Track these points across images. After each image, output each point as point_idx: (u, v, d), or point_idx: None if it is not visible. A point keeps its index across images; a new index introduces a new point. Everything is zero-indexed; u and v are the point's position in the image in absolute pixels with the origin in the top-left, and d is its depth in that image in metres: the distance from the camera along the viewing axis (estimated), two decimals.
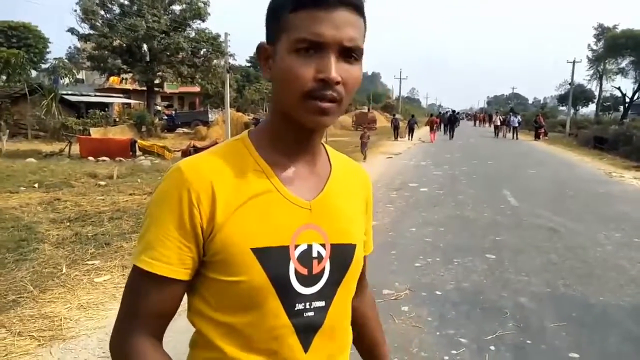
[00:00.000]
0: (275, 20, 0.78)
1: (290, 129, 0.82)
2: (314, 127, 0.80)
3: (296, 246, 0.81)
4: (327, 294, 0.84)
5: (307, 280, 0.81)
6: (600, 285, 4.35)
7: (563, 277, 4.52)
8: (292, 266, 0.80)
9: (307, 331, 0.82)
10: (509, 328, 3.45)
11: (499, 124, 30.73)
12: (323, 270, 0.83)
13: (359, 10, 0.76)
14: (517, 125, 28.47)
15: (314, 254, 0.82)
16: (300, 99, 0.75)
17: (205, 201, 0.77)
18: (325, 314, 0.84)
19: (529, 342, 3.26)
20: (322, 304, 0.83)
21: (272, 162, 0.83)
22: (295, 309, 0.80)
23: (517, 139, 27.31)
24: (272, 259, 0.78)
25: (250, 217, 0.78)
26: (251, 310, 0.79)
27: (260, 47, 0.82)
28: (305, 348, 0.82)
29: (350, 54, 0.75)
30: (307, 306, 0.82)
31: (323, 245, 0.83)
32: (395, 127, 26.23)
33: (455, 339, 3.28)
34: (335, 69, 0.73)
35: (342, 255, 0.86)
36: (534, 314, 3.72)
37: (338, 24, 0.73)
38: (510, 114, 32.45)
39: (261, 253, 0.78)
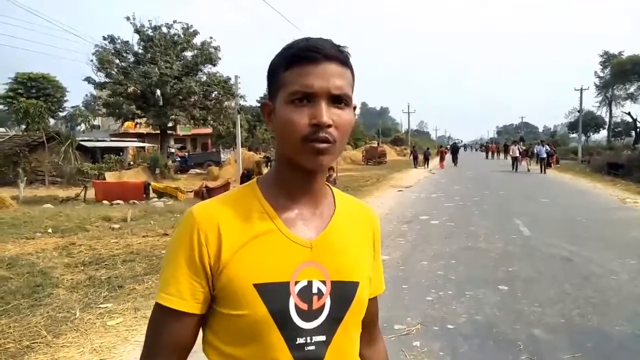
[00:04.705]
0: (272, 79, 0.89)
1: (293, 173, 0.90)
2: (314, 168, 0.87)
3: (296, 282, 0.86)
4: (328, 329, 0.88)
5: (307, 315, 0.86)
6: (616, 314, 4.25)
7: (578, 307, 4.44)
8: (292, 301, 0.86)
9: None
10: None
11: (517, 154, 26.14)
12: (323, 306, 0.88)
13: (344, 62, 0.87)
14: (545, 156, 23.90)
15: (314, 290, 0.87)
16: (299, 143, 0.83)
17: (213, 240, 0.85)
18: (326, 348, 0.88)
19: None
20: (322, 338, 0.88)
21: (276, 205, 0.90)
22: (296, 342, 0.85)
23: (544, 172, 23.09)
24: (273, 294, 0.84)
25: (253, 255, 0.86)
26: (254, 342, 0.85)
27: (263, 104, 0.94)
28: None
29: (340, 100, 0.85)
30: (308, 340, 0.86)
31: (323, 282, 0.88)
32: (415, 157, 31.16)
33: None
34: (326, 114, 0.83)
35: (343, 292, 0.90)
36: (548, 345, 3.65)
37: (325, 75, 0.84)
38: (537, 144, 28.19)
39: (262, 288, 0.84)
